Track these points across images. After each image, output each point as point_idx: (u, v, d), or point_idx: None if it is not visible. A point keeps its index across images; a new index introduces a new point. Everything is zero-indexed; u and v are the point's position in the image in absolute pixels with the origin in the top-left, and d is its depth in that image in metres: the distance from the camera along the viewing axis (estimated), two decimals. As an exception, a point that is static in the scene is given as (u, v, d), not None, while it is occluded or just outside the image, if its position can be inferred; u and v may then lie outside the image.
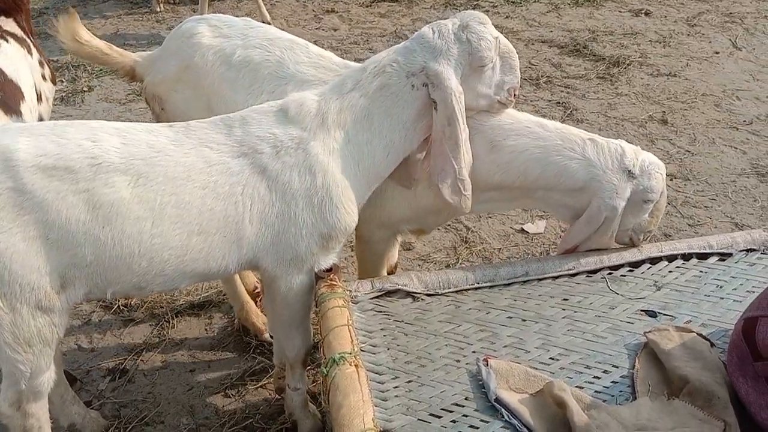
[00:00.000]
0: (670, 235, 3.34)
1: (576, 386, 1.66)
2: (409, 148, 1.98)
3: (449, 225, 3.39)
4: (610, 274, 2.11)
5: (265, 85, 2.16)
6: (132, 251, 1.67)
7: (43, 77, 2.83)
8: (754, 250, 2.20)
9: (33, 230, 1.60)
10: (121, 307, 2.83)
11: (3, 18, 2.77)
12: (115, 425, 2.29)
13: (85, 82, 4.85)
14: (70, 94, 4.64)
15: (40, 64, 2.84)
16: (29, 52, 2.80)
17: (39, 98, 2.72)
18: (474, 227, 3.40)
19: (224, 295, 2.81)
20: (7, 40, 2.70)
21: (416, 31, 1.98)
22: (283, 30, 2.37)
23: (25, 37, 2.83)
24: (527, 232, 3.37)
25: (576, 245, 2.14)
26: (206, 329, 2.75)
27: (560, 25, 6.05)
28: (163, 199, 1.68)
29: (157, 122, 2.24)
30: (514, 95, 2.04)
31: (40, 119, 2.69)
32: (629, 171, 2.05)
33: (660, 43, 5.65)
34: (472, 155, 1.98)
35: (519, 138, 2.07)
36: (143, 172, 1.67)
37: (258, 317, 2.69)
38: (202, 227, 1.73)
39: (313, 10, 6.28)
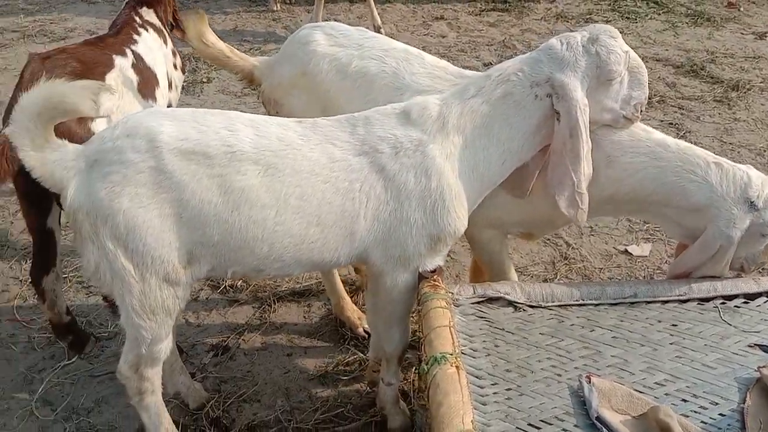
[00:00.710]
0: (785, 271, 3.17)
1: (681, 414, 1.61)
2: (525, 157, 1.98)
3: (548, 239, 3.35)
4: (723, 303, 2.03)
5: (381, 95, 2.18)
6: (256, 235, 1.77)
7: (175, 66, 3.02)
8: None
9: (168, 208, 1.72)
10: (228, 288, 2.98)
11: (145, 8, 2.98)
12: (216, 399, 2.41)
13: (204, 73, 5.12)
14: (190, 84, 4.90)
15: (173, 53, 3.04)
16: (165, 42, 3.00)
17: (170, 86, 2.90)
18: (575, 244, 3.34)
19: (323, 285, 2.90)
20: (147, 30, 2.91)
21: (525, 41, 1.98)
22: (392, 35, 2.40)
23: (162, 27, 3.04)
24: (631, 254, 3.27)
25: (688, 271, 2.08)
26: (305, 316, 2.85)
27: (676, 44, 5.84)
28: (288, 190, 1.77)
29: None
30: (641, 111, 2.01)
31: (169, 106, 2.88)
32: (752, 202, 1.97)
33: (785, 68, 5.35)
34: None
35: (636, 156, 2.03)
36: (272, 163, 1.76)
37: (353, 312, 2.75)
38: (321, 219, 1.81)
39: (423, 17, 6.34)
